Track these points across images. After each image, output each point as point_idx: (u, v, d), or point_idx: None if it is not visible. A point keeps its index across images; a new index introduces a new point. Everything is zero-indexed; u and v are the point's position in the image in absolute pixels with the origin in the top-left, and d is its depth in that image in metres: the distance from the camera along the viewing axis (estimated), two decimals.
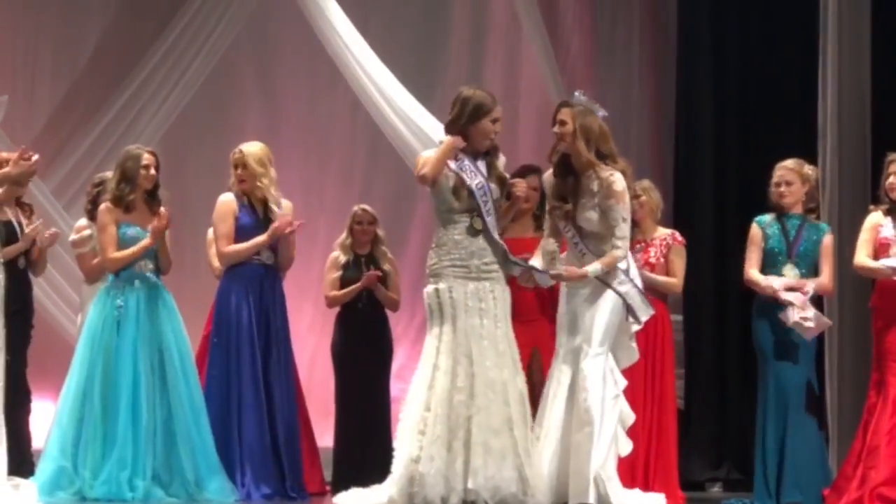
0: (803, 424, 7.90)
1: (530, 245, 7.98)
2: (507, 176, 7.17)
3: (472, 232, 6.89)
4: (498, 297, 6.90)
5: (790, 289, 7.85)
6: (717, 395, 9.95)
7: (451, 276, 6.83)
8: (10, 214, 8.20)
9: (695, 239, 9.59)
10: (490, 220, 6.88)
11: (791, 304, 7.77)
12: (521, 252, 7.85)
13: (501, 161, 7.17)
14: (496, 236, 6.92)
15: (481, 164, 6.99)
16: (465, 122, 6.95)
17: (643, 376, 8.21)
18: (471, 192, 6.87)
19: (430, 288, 6.88)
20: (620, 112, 11.06)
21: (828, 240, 8.05)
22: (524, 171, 8.21)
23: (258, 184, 8.10)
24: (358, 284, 8.83)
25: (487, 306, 6.82)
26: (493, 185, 6.98)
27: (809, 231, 8.03)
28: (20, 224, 8.22)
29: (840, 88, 9.09)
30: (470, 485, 6.55)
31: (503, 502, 6.61)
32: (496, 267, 6.97)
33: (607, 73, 11.12)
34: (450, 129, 7.03)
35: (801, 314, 7.75)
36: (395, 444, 6.83)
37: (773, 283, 7.88)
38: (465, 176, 6.89)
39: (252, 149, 8.15)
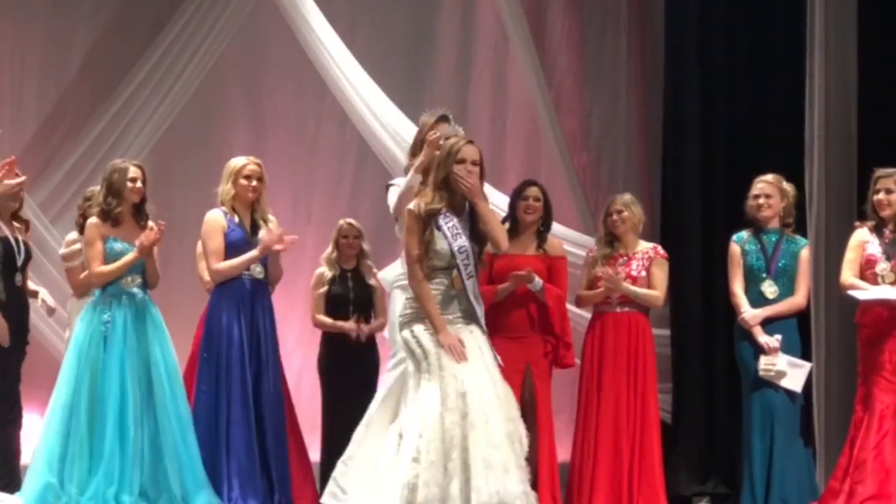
0: (790, 440, 7.93)
1: (530, 262, 7.99)
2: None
3: (450, 289, 6.66)
4: (475, 331, 6.68)
5: (768, 319, 7.92)
6: (704, 409, 9.96)
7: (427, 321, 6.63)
8: (6, 231, 8.14)
9: (682, 254, 9.64)
10: (469, 284, 6.64)
11: (762, 352, 7.88)
12: (520, 269, 7.90)
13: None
14: (472, 299, 6.67)
15: (464, 222, 6.68)
16: (440, 172, 6.67)
17: (626, 391, 8.24)
18: (452, 255, 6.61)
19: (405, 333, 6.66)
20: (608, 127, 11.15)
21: (805, 253, 8.11)
22: (523, 186, 8.23)
23: (262, 197, 8.12)
24: (345, 330, 8.85)
25: (467, 339, 6.61)
26: (475, 246, 6.69)
27: (787, 245, 8.09)
28: (17, 240, 8.15)
29: (827, 104, 9.09)
30: (474, 503, 6.32)
31: None
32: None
33: (595, 89, 11.18)
34: (431, 182, 6.74)
35: (769, 366, 7.87)
36: (383, 469, 6.62)
37: (750, 317, 7.94)
38: (449, 236, 6.61)
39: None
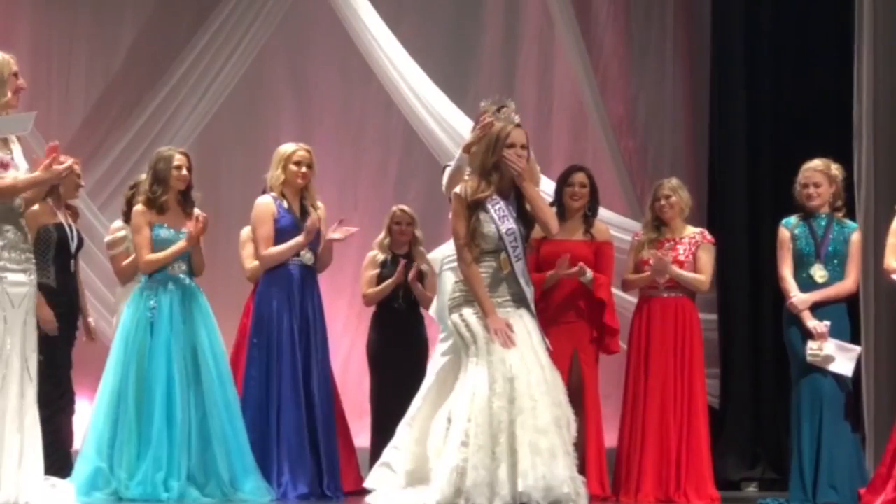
0: (838, 425, 7.87)
1: (577, 248, 7.98)
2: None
3: (499, 272, 6.65)
4: (524, 315, 6.67)
5: (817, 304, 7.85)
6: (751, 394, 9.93)
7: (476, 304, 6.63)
8: (61, 218, 8.19)
9: (729, 238, 9.60)
10: (518, 266, 6.65)
11: (811, 336, 7.80)
12: (567, 254, 7.90)
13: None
14: (522, 282, 6.67)
15: (511, 206, 6.69)
16: (489, 157, 6.67)
17: (673, 376, 8.22)
18: (500, 237, 6.61)
19: (454, 316, 6.66)
20: (654, 110, 11.09)
21: (855, 238, 8.02)
22: (569, 172, 8.22)
23: (311, 184, 8.13)
24: (392, 279, 8.87)
25: (516, 323, 6.59)
26: (522, 229, 6.70)
27: (837, 230, 8.00)
28: (70, 227, 8.21)
29: (875, 85, 9.03)
30: (520, 488, 6.30)
31: (556, 503, 6.38)
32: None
33: (641, 73, 11.13)
34: (479, 167, 6.75)
35: (817, 350, 7.79)
36: (431, 453, 6.64)
37: (799, 301, 7.88)
38: (496, 219, 6.62)
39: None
